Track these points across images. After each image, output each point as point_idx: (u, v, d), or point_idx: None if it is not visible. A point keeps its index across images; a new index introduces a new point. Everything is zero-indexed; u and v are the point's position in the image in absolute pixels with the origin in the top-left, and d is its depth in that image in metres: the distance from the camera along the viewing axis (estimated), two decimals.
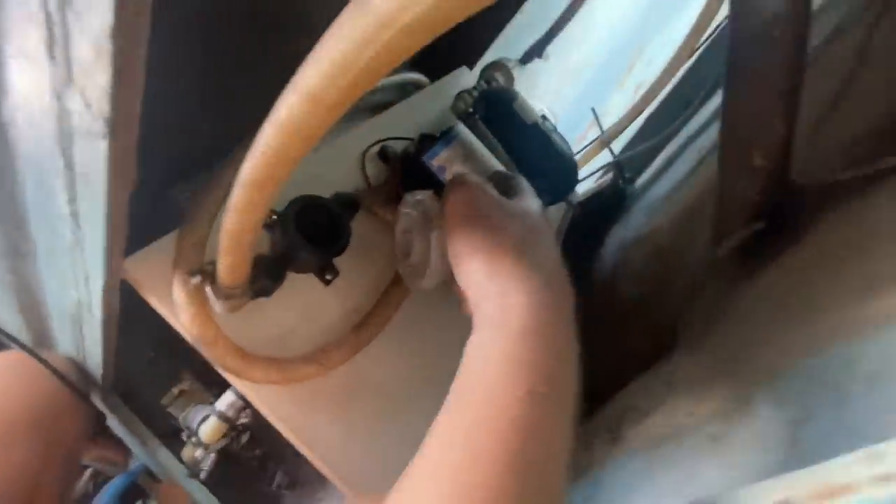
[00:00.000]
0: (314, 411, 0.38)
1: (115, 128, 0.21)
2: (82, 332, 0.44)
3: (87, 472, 0.78)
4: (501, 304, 0.27)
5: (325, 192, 0.45)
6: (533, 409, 0.23)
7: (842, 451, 0.21)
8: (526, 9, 0.87)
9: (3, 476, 0.42)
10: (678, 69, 0.80)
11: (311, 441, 0.36)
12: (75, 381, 0.51)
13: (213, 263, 0.32)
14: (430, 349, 0.45)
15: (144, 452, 0.62)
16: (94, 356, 0.48)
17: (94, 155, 0.23)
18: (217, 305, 0.32)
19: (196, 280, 0.31)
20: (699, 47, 0.78)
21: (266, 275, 0.36)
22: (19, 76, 0.23)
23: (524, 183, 0.39)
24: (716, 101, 0.72)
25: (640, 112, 0.84)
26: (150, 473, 0.68)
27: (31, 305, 0.46)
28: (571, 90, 1.52)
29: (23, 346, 0.46)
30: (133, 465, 0.75)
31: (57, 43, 0.20)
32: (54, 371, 0.48)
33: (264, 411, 0.36)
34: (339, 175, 0.51)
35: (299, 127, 0.19)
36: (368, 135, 0.56)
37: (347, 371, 0.38)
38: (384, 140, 0.58)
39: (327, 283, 0.43)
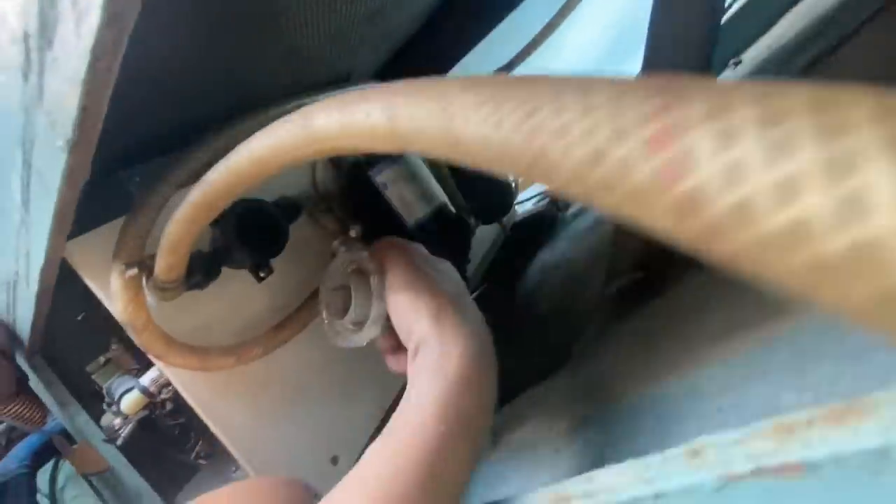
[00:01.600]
0: (228, 396, 0.42)
1: (75, 148, 0.25)
2: (15, 298, 0.46)
3: (1, 427, 0.78)
4: (441, 353, 0.31)
5: (274, 190, 0.49)
6: (449, 443, 0.28)
7: None
8: (497, 31, 0.92)
9: None
10: None
11: (223, 423, 0.40)
12: (2, 340, 0.52)
13: (153, 258, 0.36)
14: (338, 351, 0.51)
15: (63, 414, 0.64)
16: (24, 321, 0.49)
17: (53, 163, 0.26)
18: (150, 297, 0.36)
19: (133, 272, 0.35)
20: None
21: (201, 270, 0.40)
22: None
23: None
24: None
25: None
26: (66, 434, 0.70)
27: None
28: None
29: None
30: (49, 424, 0.75)
31: (32, 70, 0.23)
32: None
33: (183, 393, 0.40)
34: (288, 175, 0.55)
35: (240, 175, 0.24)
36: None
37: (262, 362, 0.43)
38: None
39: (260, 279, 0.47)
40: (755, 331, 0.29)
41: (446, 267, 0.38)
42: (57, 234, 0.32)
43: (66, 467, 0.75)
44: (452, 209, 0.61)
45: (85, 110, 0.23)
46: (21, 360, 0.58)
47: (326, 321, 0.38)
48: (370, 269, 0.36)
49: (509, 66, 0.98)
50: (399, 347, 0.36)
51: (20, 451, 0.66)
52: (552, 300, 0.72)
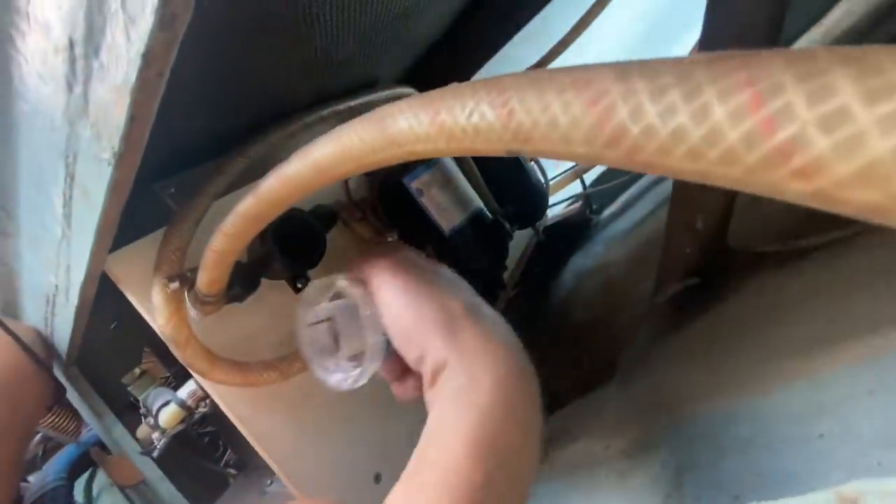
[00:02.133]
0: (270, 412, 0.41)
1: (121, 160, 0.23)
2: (54, 312, 0.46)
3: (37, 438, 0.79)
4: (467, 376, 0.25)
5: (307, 202, 0.48)
6: (491, 491, 0.23)
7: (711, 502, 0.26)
8: (524, 32, 0.90)
9: None
10: None
11: (266, 440, 0.39)
12: (39, 351, 0.52)
13: (193, 271, 0.35)
14: None
15: (99, 426, 0.64)
16: (62, 333, 0.49)
17: (97, 176, 0.25)
18: (192, 311, 0.34)
19: (175, 286, 0.34)
20: None
21: (241, 283, 0.38)
22: (36, 93, 0.25)
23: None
24: None
25: None
26: (101, 446, 0.70)
27: (6, 278, 0.47)
28: None
29: None
30: (84, 435, 0.76)
31: (77, 80, 0.22)
32: (19, 341, 0.49)
33: (225, 409, 0.39)
34: None
35: (298, 185, 0.22)
36: None
37: (304, 376, 0.42)
38: None
39: (297, 290, 0.45)
40: (854, 343, 0.26)
41: (447, 271, 0.32)
42: (99, 249, 0.31)
43: (101, 477, 0.75)
44: (489, 214, 0.59)
45: (133, 120, 0.21)
46: (58, 372, 0.58)
47: (314, 363, 0.31)
48: (353, 292, 0.30)
49: (535, 68, 0.96)
50: (405, 372, 0.31)
51: (57, 463, 0.67)
52: (590, 307, 0.70)
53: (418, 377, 0.30)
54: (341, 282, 0.31)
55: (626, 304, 0.64)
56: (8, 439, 0.48)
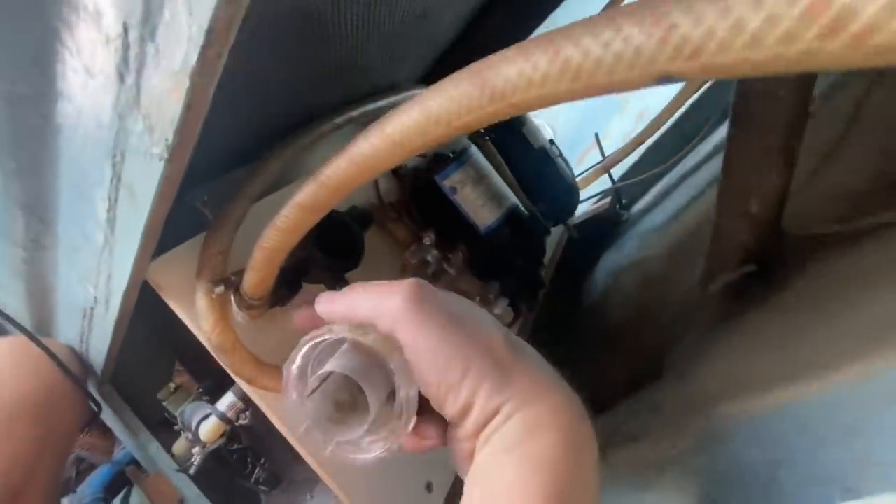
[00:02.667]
0: None
1: (174, 153, 0.22)
2: (91, 326, 0.45)
3: (71, 458, 0.78)
4: (525, 428, 0.22)
5: (340, 205, 0.47)
6: None
7: (818, 496, 0.23)
8: (543, 27, 0.89)
9: (2, 463, 0.42)
10: (683, 102, 0.84)
11: (316, 450, 0.37)
12: (75, 369, 0.51)
13: (238, 274, 0.34)
14: None
15: (134, 443, 0.62)
16: (98, 349, 0.48)
17: (147, 174, 0.24)
18: (239, 315, 0.33)
19: (220, 290, 0.32)
20: (705, 83, 0.81)
21: (285, 285, 0.37)
22: (82, 89, 0.24)
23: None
24: (716, 137, 0.75)
25: (643, 141, 0.87)
26: (136, 464, 0.68)
27: (40, 294, 0.46)
28: (571, 111, 1.54)
29: (28, 334, 0.46)
30: (117, 454, 0.75)
31: (130, 69, 0.21)
32: (55, 359, 0.48)
33: (273, 419, 0.37)
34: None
35: (371, 164, 0.21)
36: None
37: None
38: None
39: None
40: None
41: (474, 309, 0.27)
42: (143, 254, 0.30)
43: (136, 496, 0.74)
44: (524, 210, 0.57)
45: (189, 109, 0.20)
46: (92, 390, 0.57)
47: (327, 440, 0.24)
48: (364, 340, 0.24)
49: None
50: (424, 423, 0.26)
51: (93, 483, 0.65)
52: (629, 304, 0.67)
53: (439, 425, 0.26)
54: (348, 330, 0.24)
55: (669, 298, 0.61)
56: (45, 460, 0.47)
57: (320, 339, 0.24)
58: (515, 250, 0.55)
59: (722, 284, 0.46)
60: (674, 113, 0.84)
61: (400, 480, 0.42)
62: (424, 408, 0.25)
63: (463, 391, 0.23)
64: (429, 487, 0.44)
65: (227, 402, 0.48)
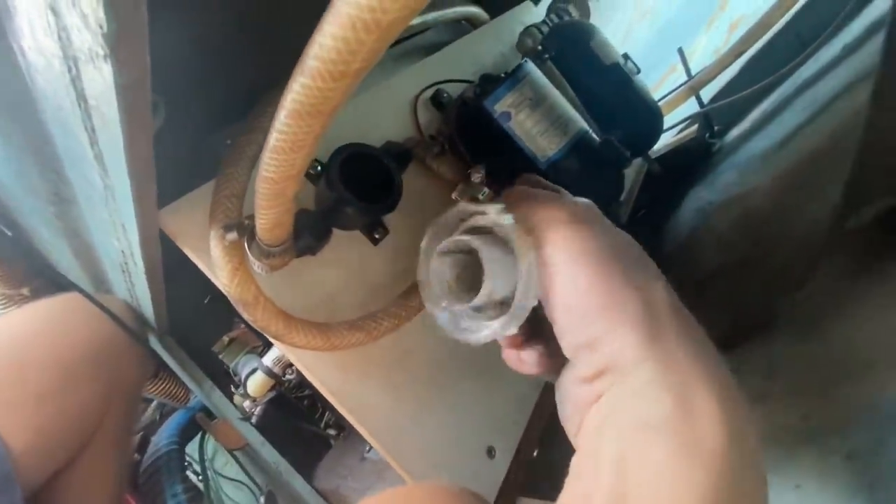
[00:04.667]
0: (361, 378, 0.35)
1: (117, 45, 0.17)
2: (132, 280, 0.43)
3: (153, 404, 0.83)
4: (680, 402, 0.19)
5: (374, 141, 0.41)
6: None
7: None
8: None
9: (69, 414, 0.43)
10: (791, 5, 0.66)
11: (360, 411, 0.34)
12: (132, 324, 0.51)
13: (253, 217, 0.29)
14: None
15: (200, 392, 0.64)
16: (146, 302, 0.47)
17: (101, 83, 0.19)
18: (256, 265, 0.29)
19: (232, 235, 0.28)
20: None
21: (310, 232, 0.32)
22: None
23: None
24: (846, 36, 0.59)
25: (739, 55, 0.71)
26: (206, 411, 0.71)
27: (83, 250, 0.46)
28: (647, 29, 1.35)
29: (81, 291, 0.46)
30: (193, 401, 0.78)
31: None
32: (111, 314, 0.48)
33: (309, 377, 0.34)
34: (388, 121, 0.46)
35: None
36: (421, 78, 0.50)
37: (396, 337, 0.35)
38: (439, 83, 0.51)
39: (375, 241, 0.39)
40: None
41: (638, 247, 0.25)
42: (142, 195, 0.26)
43: (212, 439, 0.77)
44: (595, 137, 0.48)
45: None
46: (155, 342, 0.58)
47: (430, 299, 0.27)
48: (516, 236, 0.24)
49: None
50: (528, 341, 0.25)
51: (167, 429, 0.69)
52: (726, 246, 0.57)
53: (551, 354, 0.24)
54: (501, 217, 0.24)
55: (780, 239, 0.50)
56: (112, 409, 0.48)
57: (472, 211, 0.25)
58: (585, 187, 0.47)
59: (871, 217, 0.34)
60: (779, 18, 0.67)
61: (456, 444, 0.38)
62: (540, 329, 0.25)
63: (593, 330, 0.21)
64: (490, 452, 0.39)
65: (272, 356, 0.46)
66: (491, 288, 0.23)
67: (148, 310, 0.49)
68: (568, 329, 0.22)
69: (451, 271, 0.26)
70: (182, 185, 0.36)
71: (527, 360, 0.25)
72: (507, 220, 0.24)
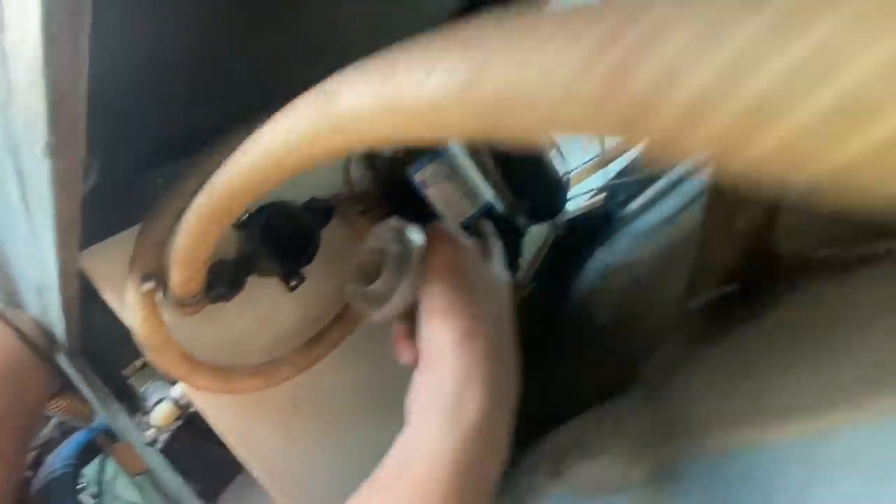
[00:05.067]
0: (257, 421, 0.38)
1: (56, 150, 0.21)
2: (45, 305, 0.44)
3: (53, 421, 0.80)
4: (458, 394, 0.26)
5: (303, 192, 0.45)
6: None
7: None
8: None
9: None
10: None
11: (252, 450, 0.37)
12: (41, 342, 0.51)
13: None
14: (382, 366, 0.46)
15: (106, 413, 0.63)
16: (58, 324, 0.48)
17: (38, 170, 0.22)
18: (167, 314, 0.32)
19: (149, 286, 0.31)
20: None
21: (225, 281, 0.36)
22: None
23: (498, 247, 0.39)
24: None
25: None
26: (110, 433, 0.70)
27: (3, 266, 0.46)
28: None
29: None
30: (97, 420, 0.76)
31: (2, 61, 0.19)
32: (18, 332, 0.48)
33: (207, 417, 0.37)
34: (320, 174, 0.51)
35: (255, 179, 0.19)
36: None
37: (294, 381, 0.39)
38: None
39: (291, 289, 0.43)
40: None
41: (495, 278, 0.33)
42: (64, 247, 0.29)
43: (112, 461, 0.75)
44: (500, 208, 0.55)
45: (56, 107, 0.18)
46: (64, 361, 0.57)
47: (350, 283, 0.34)
48: (413, 250, 0.31)
49: None
50: (413, 337, 0.32)
51: (65, 449, 0.67)
52: (613, 308, 0.65)
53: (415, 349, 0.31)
54: (412, 236, 0.32)
55: (651, 307, 0.58)
56: (10, 427, 0.48)
57: (400, 227, 0.33)
58: None
59: (702, 302, 0.43)
60: None
61: (344, 483, 0.42)
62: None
63: (430, 330, 0.29)
64: None
65: (181, 387, 0.47)
66: (388, 283, 0.31)
67: (60, 330, 0.50)
68: (421, 329, 0.29)
69: (374, 268, 0.33)
70: (109, 223, 0.38)
71: (410, 353, 0.32)
72: (416, 235, 0.32)
